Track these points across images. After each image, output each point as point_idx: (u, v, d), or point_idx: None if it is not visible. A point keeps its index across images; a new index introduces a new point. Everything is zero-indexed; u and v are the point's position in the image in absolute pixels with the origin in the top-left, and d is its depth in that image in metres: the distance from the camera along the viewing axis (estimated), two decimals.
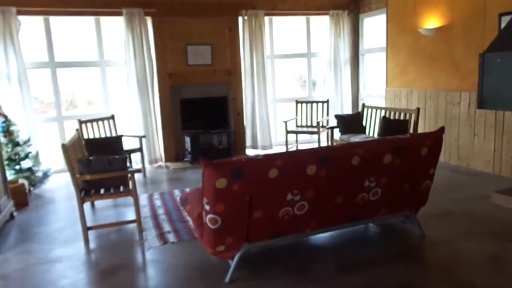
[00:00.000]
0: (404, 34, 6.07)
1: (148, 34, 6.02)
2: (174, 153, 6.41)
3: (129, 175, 3.66)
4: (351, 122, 5.58)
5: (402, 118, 5.12)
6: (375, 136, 5.30)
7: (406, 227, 3.49)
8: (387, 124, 5.00)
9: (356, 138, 5.19)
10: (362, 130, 5.57)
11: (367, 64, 7.35)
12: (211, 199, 2.53)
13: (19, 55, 5.41)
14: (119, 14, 5.85)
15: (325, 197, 2.85)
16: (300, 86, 11.75)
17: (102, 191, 3.60)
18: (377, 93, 7.07)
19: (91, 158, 3.50)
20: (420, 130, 5.32)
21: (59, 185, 5.43)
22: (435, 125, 5.55)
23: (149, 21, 6.03)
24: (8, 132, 4.80)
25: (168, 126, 6.32)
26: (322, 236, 3.38)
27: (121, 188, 3.66)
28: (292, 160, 2.69)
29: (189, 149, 6.23)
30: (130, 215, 4.21)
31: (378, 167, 2.90)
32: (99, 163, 3.46)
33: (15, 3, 5.33)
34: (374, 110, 5.64)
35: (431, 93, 5.63)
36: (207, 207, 2.58)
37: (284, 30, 7.27)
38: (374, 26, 7.06)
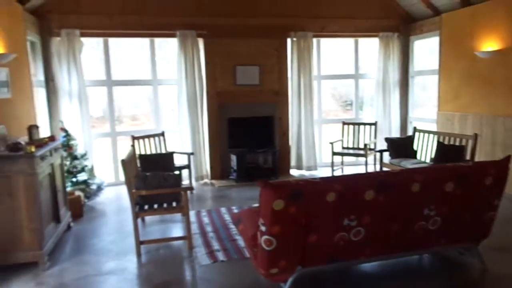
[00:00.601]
0: (458, 56, 5.91)
1: (200, 54, 6.21)
2: (219, 170, 6.49)
3: (182, 192, 3.74)
4: (401, 146, 5.44)
5: (457, 143, 4.93)
6: (428, 161, 5.12)
7: (465, 260, 3.32)
8: (442, 150, 4.82)
9: (408, 163, 5.04)
10: (413, 154, 5.42)
11: (416, 86, 7.19)
12: (267, 220, 2.53)
13: (80, 74, 5.74)
14: (173, 35, 6.08)
15: (382, 223, 2.78)
16: (339, 106, 11.62)
17: (155, 206, 3.69)
18: (427, 117, 6.88)
19: (147, 174, 3.61)
20: (476, 157, 5.10)
21: (110, 198, 5.62)
22: (492, 152, 5.30)
23: (200, 42, 6.23)
24: (68, 146, 5.06)
25: (215, 144, 6.43)
26: (375, 264, 3.28)
27: (174, 204, 3.74)
28: (351, 184, 2.65)
29: (235, 168, 6.28)
30: (177, 231, 4.28)
31: (439, 195, 2.80)
32: (154, 179, 3.56)
33: (79, 26, 5.68)
34: (426, 135, 5.47)
35: (488, 118, 5.40)
36: (263, 228, 2.58)
37: (331, 51, 7.27)
38: (425, 48, 6.92)
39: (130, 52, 7.25)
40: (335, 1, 6.63)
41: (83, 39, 5.76)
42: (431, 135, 5.37)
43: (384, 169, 5.48)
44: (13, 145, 3.43)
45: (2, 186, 3.24)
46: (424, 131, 5.54)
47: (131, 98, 9.36)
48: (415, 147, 5.52)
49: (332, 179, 2.69)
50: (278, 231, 2.54)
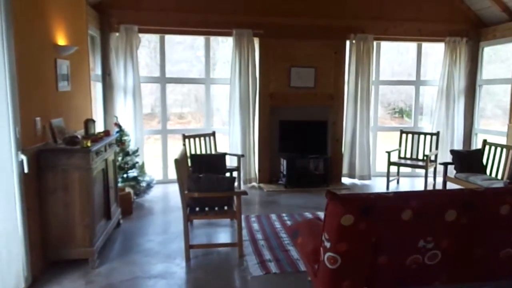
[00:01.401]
0: None
1: (255, 54, 6.05)
2: (268, 174, 6.30)
3: (234, 196, 3.57)
4: (469, 160, 5.00)
5: None
6: (501, 178, 4.64)
7: None
8: None
9: (477, 179, 4.61)
10: (482, 169, 4.95)
11: (484, 96, 6.64)
12: (333, 236, 2.29)
13: (136, 70, 5.75)
14: (229, 34, 5.97)
15: (462, 248, 2.45)
16: (387, 114, 11.09)
17: (206, 209, 3.55)
18: (495, 129, 6.32)
19: (200, 175, 3.47)
20: None
21: (159, 196, 5.57)
22: None
23: (256, 41, 6.07)
24: (121, 142, 5.05)
25: (265, 147, 6.24)
26: None
27: (225, 208, 3.57)
28: (430, 202, 2.35)
29: (284, 172, 6.06)
30: (225, 236, 4.12)
31: None
32: (208, 182, 3.41)
33: (137, 22, 5.69)
34: (498, 148, 4.98)
35: None
36: (327, 244, 2.34)
37: (390, 55, 6.89)
38: (496, 55, 6.38)
39: (181, 50, 7.24)
40: (400, 3, 6.24)
41: (140, 35, 5.78)
42: (505, 150, 4.87)
43: (449, 183, 5.06)
44: (70, 139, 3.41)
45: (58, 180, 3.21)
46: (496, 145, 5.05)
47: (178, 96, 9.41)
48: (484, 162, 5.05)
49: (408, 194, 2.40)
50: (344, 248, 2.30)
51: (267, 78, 6.15)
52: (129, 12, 5.68)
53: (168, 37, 6.20)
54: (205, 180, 3.42)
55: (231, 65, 6.03)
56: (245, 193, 3.53)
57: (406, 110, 13.38)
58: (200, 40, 6.22)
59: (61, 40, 3.90)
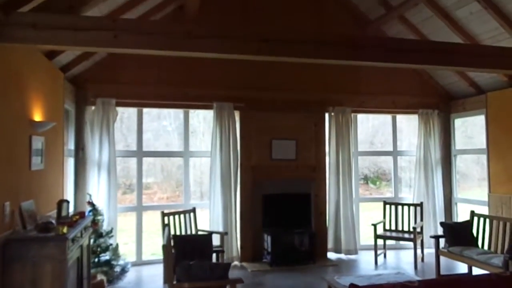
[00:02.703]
0: (510, 137, 5.57)
1: (236, 127, 5.96)
2: (251, 252, 5.92)
3: (228, 285, 3.21)
4: (459, 232, 4.90)
5: None
6: (499, 252, 4.52)
7: None
8: None
9: (472, 253, 4.47)
10: (473, 242, 4.85)
11: (462, 167, 6.79)
12: None
13: (112, 144, 5.47)
14: (209, 107, 5.90)
15: None
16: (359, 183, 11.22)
17: None
18: (474, 198, 6.38)
19: (191, 263, 3.12)
20: None
21: (133, 281, 5.03)
22: None
23: (237, 114, 6.02)
24: (94, 223, 4.62)
25: (247, 222, 5.94)
26: None
27: None
28: None
29: (269, 249, 5.72)
30: None
31: None
32: (200, 270, 3.06)
33: (114, 95, 5.53)
34: (487, 220, 4.94)
35: None
36: None
37: (369, 128, 7.03)
38: (468, 126, 6.64)
39: (148, 121, 7.07)
40: (374, 78, 6.48)
41: (117, 108, 5.58)
42: (496, 222, 4.79)
43: (442, 257, 4.89)
44: (43, 225, 3.02)
45: (26, 274, 2.78)
46: (485, 216, 5.01)
47: (143, 166, 9.08)
48: (474, 234, 4.96)
49: (434, 282, 2.19)
50: None
51: (248, 151, 6.03)
52: (107, 86, 5.53)
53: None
54: (196, 268, 3.07)
55: (211, 138, 5.89)
56: (240, 281, 3.19)
57: (371, 177, 13.62)
58: (167, 110, 6.09)
59: (38, 116, 3.64)
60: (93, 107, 5.47)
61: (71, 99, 5.17)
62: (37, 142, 3.61)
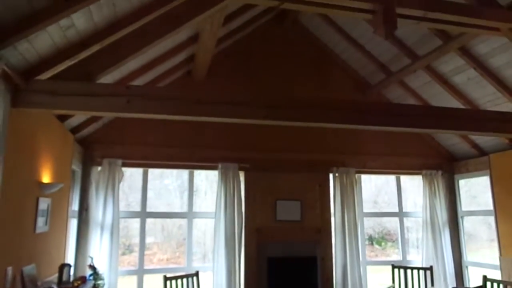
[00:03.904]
0: None
1: (240, 188, 5.96)
2: None
3: None
4: None
5: None
6: None
7: None
8: None
9: None
10: None
11: (469, 227, 6.68)
12: None
13: (116, 205, 5.45)
14: (214, 168, 5.95)
15: None
16: (365, 245, 10.96)
17: None
18: (485, 261, 6.20)
19: None
20: None
21: None
22: None
23: (242, 175, 6.05)
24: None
25: (252, 287, 5.73)
26: None
27: None
28: None
29: None
30: None
31: None
32: None
33: (121, 156, 5.60)
34: (500, 285, 4.77)
35: None
36: None
37: (373, 188, 7.02)
38: (474, 187, 6.63)
39: (149, 179, 7.09)
40: (377, 139, 6.59)
41: (123, 169, 5.63)
42: (506, 286, 4.66)
43: None
44: None
45: None
46: (499, 281, 4.85)
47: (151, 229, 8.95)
48: None
49: None
50: None
51: (253, 212, 5.98)
52: (114, 147, 5.62)
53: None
54: None
55: (216, 199, 5.86)
56: None
57: (376, 237, 13.31)
58: (191, 172, 6.12)
59: (46, 177, 3.68)
60: (99, 168, 5.52)
61: (78, 159, 5.24)
62: (44, 204, 3.61)
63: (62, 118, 4.29)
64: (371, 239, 12.23)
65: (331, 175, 6.40)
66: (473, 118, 3.81)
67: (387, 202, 6.92)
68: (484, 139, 6.06)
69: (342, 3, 3.54)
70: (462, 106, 5.69)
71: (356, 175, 6.56)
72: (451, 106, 5.68)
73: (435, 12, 3.66)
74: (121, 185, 5.60)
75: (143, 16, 3.50)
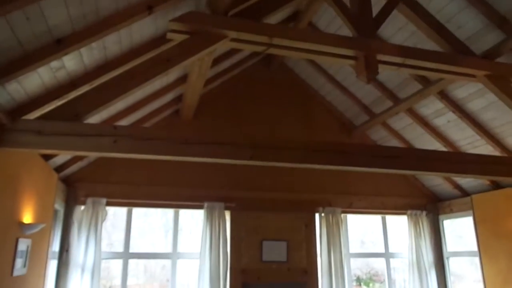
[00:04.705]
0: (501, 238, 5.60)
1: (226, 228, 5.90)
2: None
3: None
4: None
5: None
6: None
7: None
8: None
9: None
10: None
11: (455, 268, 6.66)
12: None
13: (98, 246, 5.31)
14: (200, 207, 5.90)
15: None
16: (352, 286, 10.84)
17: None
18: None
19: None
20: None
21: None
22: None
23: (227, 214, 6.01)
24: None
25: None
26: None
27: None
28: None
29: None
30: None
31: None
32: None
33: (105, 195, 5.53)
34: None
35: None
36: None
37: (359, 228, 7.01)
38: (459, 228, 6.68)
39: (142, 219, 6.99)
40: (363, 179, 6.67)
41: (107, 208, 5.54)
42: None
43: None
44: None
45: None
46: None
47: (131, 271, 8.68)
48: None
49: None
50: None
51: (238, 252, 5.88)
52: (98, 185, 5.55)
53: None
54: None
55: (201, 240, 5.77)
56: None
57: (363, 278, 13.13)
58: (176, 211, 6.05)
59: (27, 218, 3.60)
60: (82, 207, 5.43)
61: (61, 198, 5.15)
62: (23, 245, 3.52)
63: (47, 157, 4.26)
64: (359, 280, 12.06)
65: (317, 215, 6.40)
66: (454, 161, 3.90)
67: (374, 242, 6.88)
68: (466, 180, 6.18)
69: (326, 50, 3.69)
70: (443, 148, 5.86)
71: (342, 215, 6.58)
72: (433, 147, 5.89)
73: (414, 59, 3.84)
74: (104, 224, 5.49)
75: (133, 59, 3.60)
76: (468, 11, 4.19)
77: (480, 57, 4.23)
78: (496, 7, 4.00)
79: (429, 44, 4.48)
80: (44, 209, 4.18)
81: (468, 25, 4.30)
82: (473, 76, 4.14)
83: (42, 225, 3.67)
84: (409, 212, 6.74)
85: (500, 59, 4.24)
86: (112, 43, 3.39)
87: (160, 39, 3.75)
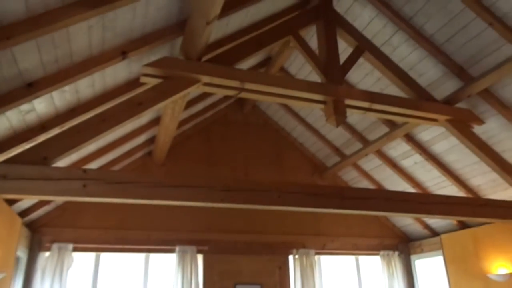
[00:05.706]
0: (470, 278, 5.68)
1: (198, 272, 5.74)
2: None
3: None
4: None
5: None
6: None
7: None
8: None
9: None
10: None
11: None
12: None
13: None
14: (171, 251, 5.74)
15: None
16: None
17: None
18: None
19: None
20: None
21: None
22: None
23: (200, 258, 5.86)
24: None
25: None
26: None
27: None
28: None
29: None
30: None
31: None
32: None
33: (72, 240, 5.32)
34: None
35: None
36: None
37: (333, 269, 6.95)
38: (431, 268, 6.73)
39: (122, 269, 6.70)
40: (335, 220, 6.72)
41: (74, 254, 5.31)
42: None
43: None
44: None
45: None
46: None
47: None
48: None
49: None
50: None
51: None
52: (65, 230, 5.35)
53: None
54: None
55: (173, 284, 5.58)
56: None
57: None
58: (147, 256, 5.85)
59: None
60: (47, 253, 5.18)
61: (24, 244, 4.91)
62: None
63: (11, 202, 4.11)
64: None
65: (291, 257, 6.34)
66: (421, 201, 4.01)
67: (348, 284, 6.82)
68: (435, 220, 6.32)
69: (296, 95, 3.83)
70: (412, 189, 6.02)
71: (316, 257, 6.54)
72: (402, 188, 6.04)
73: (380, 104, 4.02)
74: (69, 271, 5.24)
75: (106, 102, 3.61)
76: (428, 60, 4.47)
77: (441, 102, 4.47)
78: (454, 57, 4.29)
79: (395, 89, 4.72)
80: (5, 257, 3.97)
81: (429, 73, 4.57)
82: (435, 120, 4.36)
83: (3, 275, 3.47)
84: (381, 252, 6.78)
85: (459, 105, 4.50)
86: (85, 86, 3.40)
87: (133, 83, 3.80)
